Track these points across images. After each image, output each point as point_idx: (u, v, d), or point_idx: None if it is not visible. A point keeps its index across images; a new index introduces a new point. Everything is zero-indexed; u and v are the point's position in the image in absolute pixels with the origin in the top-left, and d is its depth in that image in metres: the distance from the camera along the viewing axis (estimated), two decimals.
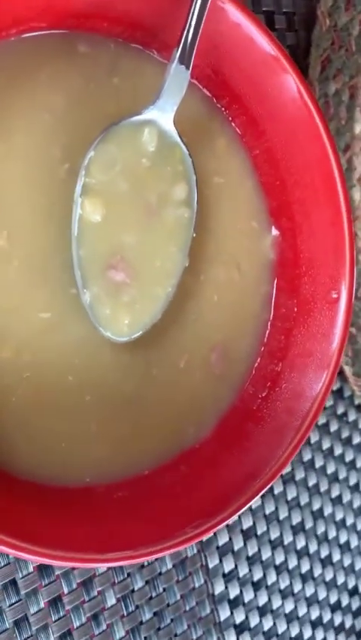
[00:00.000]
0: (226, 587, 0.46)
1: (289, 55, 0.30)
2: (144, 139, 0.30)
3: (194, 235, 0.31)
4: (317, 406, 0.32)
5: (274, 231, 0.35)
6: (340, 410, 0.53)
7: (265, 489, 0.30)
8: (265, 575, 0.48)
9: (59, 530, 0.27)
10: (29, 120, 0.29)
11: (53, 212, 0.30)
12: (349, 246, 0.33)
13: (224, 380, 0.34)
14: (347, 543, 0.54)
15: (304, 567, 0.51)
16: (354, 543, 0.54)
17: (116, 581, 0.40)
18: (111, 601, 0.40)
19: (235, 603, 0.46)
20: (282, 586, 0.49)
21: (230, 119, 0.34)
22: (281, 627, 0.49)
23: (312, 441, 0.51)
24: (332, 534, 0.52)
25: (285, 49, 0.29)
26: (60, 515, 0.28)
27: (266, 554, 0.48)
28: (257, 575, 0.48)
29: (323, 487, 0.52)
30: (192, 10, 0.28)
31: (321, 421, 0.51)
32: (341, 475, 0.53)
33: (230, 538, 0.46)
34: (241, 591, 0.47)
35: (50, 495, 0.29)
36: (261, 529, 0.48)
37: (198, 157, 0.32)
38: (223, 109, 0.34)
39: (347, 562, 0.54)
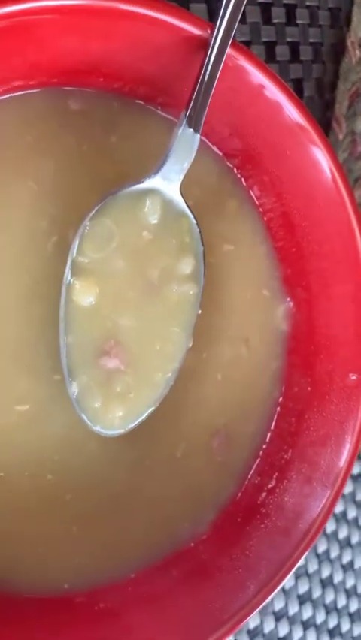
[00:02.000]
0: None
1: (318, 126, 0.26)
2: (146, 210, 0.26)
3: (199, 312, 0.28)
4: (329, 504, 0.28)
5: (288, 301, 0.32)
6: (356, 471, 0.49)
7: (264, 602, 0.26)
8: None
9: None
10: (12, 190, 0.26)
11: (37, 291, 0.27)
12: None
13: (226, 468, 0.31)
14: (358, 612, 0.50)
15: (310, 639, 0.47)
16: None
17: None
18: None
19: None
20: None
21: (242, 179, 0.30)
22: None
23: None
24: (341, 603, 0.49)
25: (310, 114, 0.26)
26: (30, 630, 0.25)
27: (269, 627, 0.45)
28: None
29: (334, 554, 0.48)
30: (203, 68, 0.24)
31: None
32: (354, 540, 0.49)
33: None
34: None
35: (24, 609, 0.26)
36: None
37: (205, 222, 0.28)
38: (235, 168, 0.30)
39: (356, 632, 0.50)
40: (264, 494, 0.31)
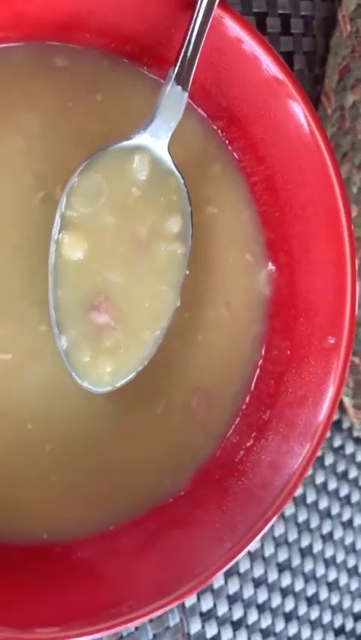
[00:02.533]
0: (203, 627, 0.43)
1: (296, 80, 0.26)
2: (135, 166, 0.27)
3: (187, 272, 0.29)
4: (305, 463, 0.29)
5: (270, 266, 0.32)
6: (337, 443, 0.50)
7: (239, 556, 0.27)
8: (245, 614, 0.46)
9: (6, 594, 0.24)
10: None
11: (25, 245, 0.27)
12: (351, 289, 0.30)
13: (205, 427, 0.32)
14: (336, 581, 0.51)
15: (289, 606, 0.48)
16: (343, 581, 0.52)
17: None
18: None
19: None
20: (263, 625, 0.47)
21: (227, 142, 0.31)
22: None
23: (308, 501, 0.48)
24: (320, 572, 0.50)
25: (292, 72, 0.26)
26: (10, 575, 0.26)
27: (248, 592, 0.46)
28: (237, 614, 0.45)
29: (314, 523, 0.49)
30: (192, 26, 0.25)
31: (319, 480, 0.49)
32: (334, 511, 0.50)
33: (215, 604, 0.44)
34: (218, 631, 0.44)
35: (3, 554, 0.26)
36: (244, 566, 0.45)
37: (188, 183, 0.28)
38: (220, 131, 0.30)
39: (334, 600, 0.51)
40: (242, 453, 0.31)
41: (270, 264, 0.32)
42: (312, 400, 0.30)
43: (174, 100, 0.26)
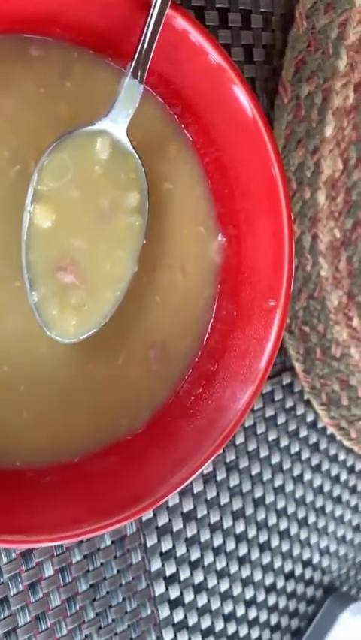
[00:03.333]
0: (163, 565, 0.48)
1: (235, 66, 0.30)
2: (97, 148, 0.30)
3: (144, 242, 0.33)
4: (244, 407, 0.34)
5: (221, 237, 0.37)
6: (288, 404, 0.55)
7: (186, 483, 0.32)
8: (202, 556, 0.51)
9: None
10: None
11: (1, 211, 0.31)
12: (288, 258, 0.34)
13: (161, 376, 0.36)
14: (287, 530, 0.56)
15: (242, 550, 0.53)
16: (294, 530, 0.57)
17: (55, 554, 0.43)
18: (49, 572, 0.42)
19: (170, 580, 0.49)
20: (218, 567, 0.52)
21: (183, 126, 0.35)
22: (215, 604, 0.52)
23: (259, 432, 0.53)
24: (272, 521, 0.55)
25: (231, 58, 0.30)
26: None
27: (205, 536, 0.51)
28: (195, 555, 0.50)
29: (267, 476, 0.54)
30: (146, 25, 0.28)
31: (269, 413, 0.53)
32: (286, 466, 0.55)
33: (170, 520, 0.48)
34: (177, 569, 0.49)
35: None
36: (201, 512, 0.50)
37: (149, 162, 0.33)
38: (176, 116, 0.34)
39: (285, 547, 0.57)
40: (192, 398, 0.36)
41: (220, 235, 0.37)
42: (253, 352, 0.35)
43: (131, 91, 0.29)
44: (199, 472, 0.33)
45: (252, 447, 0.52)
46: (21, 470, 0.32)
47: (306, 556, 0.58)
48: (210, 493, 0.50)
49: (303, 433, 0.56)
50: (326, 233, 0.54)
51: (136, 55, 0.29)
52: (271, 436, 0.53)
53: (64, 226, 0.31)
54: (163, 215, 0.35)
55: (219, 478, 0.51)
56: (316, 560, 0.58)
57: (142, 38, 0.29)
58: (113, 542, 0.45)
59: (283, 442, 0.55)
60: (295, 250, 0.52)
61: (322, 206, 0.54)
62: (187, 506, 0.49)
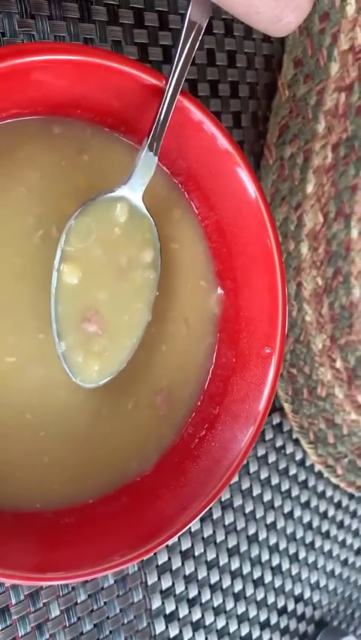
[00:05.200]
0: (163, 603, 0.50)
1: (241, 151, 0.34)
2: (117, 212, 0.33)
3: (157, 294, 0.36)
4: (246, 447, 0.36)
5: (220, 290, 0.40)
6: (278, 443, 0.57)
7: (194, 521, 0.34)
8: (200, 593, 0.52)
9: (7, 548, 0.31)
10: (6, 193, 0.33)
11: (27, 270, 0.34)
12: (282, 310, 0.37)
13: (167, 420, 0.39)
14: (279, 566, 0.58)
15: (237, 587, 0.55)
16: (285, 566, 0.59)
17: (61, 594, 0.44)
18: (55, 612, 0.44)
19: (170, 618, 0.50)
20: (215, 603, 0.54)
21: (185, 193, 0.38)
22: None
23: (251, 471, 0.55)
24: (265, 557, 0.57)
25: (236, 143, 0.34)
26: (10, 534, 0.32)
27: (202, 574, 0.52)
28: (193, 592, 0.52)
29: (259, 514, 0.56)
30: (161, 107, 0.32)
31: (260, 452, 0.56)
32: (277, 503, 0.58)
33: (169, 558, 0.50)
34: (176, 607, 0.51)
35: (2, 516, 0.33)
36: (198, 550, 0.52)
37: (157, 225, 0.36)
38: (180, 184, 0.38)
39: (277, 583, 0.58)
40: (196, 441, 0.38)
41: (219, 288, 0.40)
42: (252, 397, 0.38)
43: (147, 162, 0.32)
44: (207, 509, 0.35)
45: (245, 485, 0.55)
46: (41, 512, 0.34)
47: (298, 591, 0.60)
48: (207, 532, 0.52)
49: (293, 471, 0.59)
50: (309, 282, 0.58)
51: (152, 132, 0.32)
52: (263, 475, 0.56)
53: (89, 282, 0.34)
54: (170, 272, 0.38)
55: (215, 517, 0.53)
56: (307, 595, 0.60)
57: (157, 117, 0.32)
58: (115, 581, 0.47)
59: (274, 480, 0.57)
60: None
61: (305, 257, 0.58)
62: (185, 545, 0.51)
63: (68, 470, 0.36)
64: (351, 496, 0.63)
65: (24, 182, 0.33)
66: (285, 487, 0.58)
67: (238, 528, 0.55)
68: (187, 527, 0.34)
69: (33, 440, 0.35)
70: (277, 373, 0.37)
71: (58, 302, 0.33)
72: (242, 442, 0.36)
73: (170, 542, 0.50)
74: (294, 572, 0.59)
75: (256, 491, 0.55)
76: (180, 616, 0.51)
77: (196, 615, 0.52)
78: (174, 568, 0.50)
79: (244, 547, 0.55)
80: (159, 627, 0.49)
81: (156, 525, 0.34)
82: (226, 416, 0.38)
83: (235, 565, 0.55)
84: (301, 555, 0.60)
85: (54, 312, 0.33)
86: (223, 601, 0.54)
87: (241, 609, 0.55)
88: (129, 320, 0.35)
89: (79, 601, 0.45)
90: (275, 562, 0.58)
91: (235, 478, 0.54)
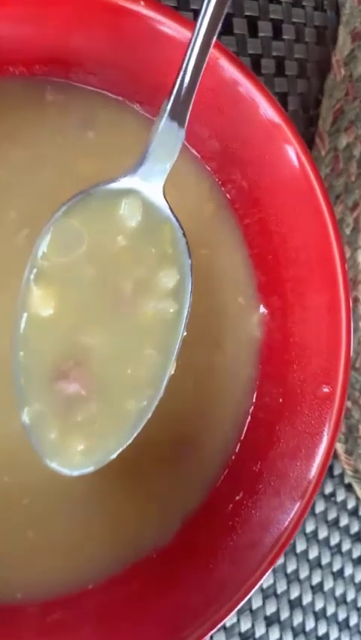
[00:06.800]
0: None
1: (292, 124, 0.26)
2: (122, 212, 0.24)
3: (184, 334, 0.25)
4: (296, 520, 0.28)
5: (262, 309, 0.31)
6: (328, 489, 0.48)
7: (225, 620, 0.25)
8: None
9: None
10: None
11: (4, 281, 0.25)
12: (346, 337, 0.29)
13: (192, 477, 0.30)
14: (327, 635, 0.49)
15: None
16: (334, 635, 0.50)
17: None
18: None
19: None
20: None
21: (220, 183, 0.30)
22: None
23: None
24: (309, 625, 0.48)
25: (287, 115, 0.25)
26: None
27: None
28: None
29: (303, 574, 0.47)
30: (187, 59, 0.22)
31: (309, 528, 0.47)
32: (324, 561, 0.49)
33: None
34: None
35: None
36: (231, 620, 0.43)
37: (185, 231, 0.27)
38: (213, 172, 0.30)
39: None
40: (231, 506, 0.30)
41: (262, 307, 0.31)
42: (305, 451, 0.29)
43: (168, 137, 0.22)
44: (243, 602, 0.26)
45: None
46: (21, 605, 0.26)
47: None
48: None
49: (344, 522, 0.50)
50: None
51: (175, 91, 0.22)
52: (309, 527, 0.47)
53: (68, 316, 0.23)
54: (196, 285, 0.30)
55: None
56: None
57: (182, 69, 0.22)
58: None
59: (322, 534, 0.48)
60: None
61: None
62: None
63: (59, 547, 0.27)
64: None
65: (5, 164, 0.25)
66: (334, 540, 0.49)
67: (279, 592, 0.46)
68: (219, 627, 0.26)
69: (12, 509, 0.26)
70: (339, 420, 0.29)
71: (21, 344, 0.23)
72: (291, 512, 0.28)
73: None
74: None
75: (299, 547, 0.47)
76: None
77: None
78: None
79: (284, 615, 0.46)
80: None
81: (176, 625, 0.25)
82: (269, 475, 0.29)
83: (274, 636, 0.46)
84: (353, 621, 0.51)
85: (15, 361, 0.23)
86: None
87: None
88: (134, 374, 0.24)
89: None
90: (322, 630, 0.49)
91: None
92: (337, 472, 0.49)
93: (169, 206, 0.24)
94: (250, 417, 0.31)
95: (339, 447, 0.48)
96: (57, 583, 0.27)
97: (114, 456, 0.25)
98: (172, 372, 0.25)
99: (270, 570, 0.27)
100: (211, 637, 0.42)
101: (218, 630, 0.42)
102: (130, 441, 0.25)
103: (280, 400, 0.30)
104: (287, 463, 0.29)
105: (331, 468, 0.48)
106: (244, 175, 0.29)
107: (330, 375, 0.29)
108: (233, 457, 0.31)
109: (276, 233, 0.29)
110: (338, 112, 0.46)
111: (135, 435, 0.25)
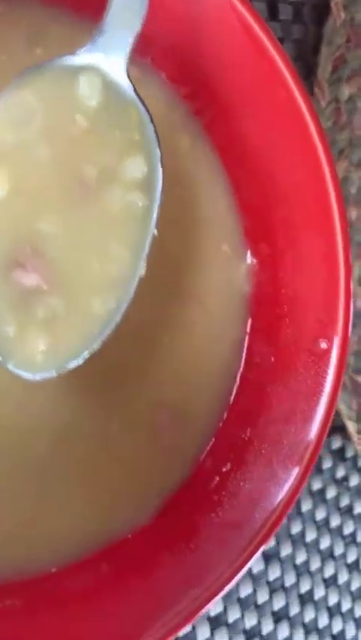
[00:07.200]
0: None
1: (273, 36, 0.22)
2: (82, 90, 0.21)
3: (155, 234, 0.23)
4: (292, 492, 0.24)
5: (250, 259, 0.28)
6: (340, 474, 0.45)
7: (207, 607, 0.22)
8: None
9: None
10: None
11: None
12: (345, 284, 0.25)
13: (174, 449, 0.27)
14: (342, 633, 0.45)
15: None
16: (351, 633, 0.46)
17: None
18: None
19: None
20: None
21: (195, 112, 0.26)
22: None
23: (303, 509, 0.43)
24: (323, 622, 0.44)
25: (273, 34, 0.22)
26: None
27: None
28: None
29: (315, 566, 0.44)
30: None
31: (316, 486, 0.44)
32: (338, 551, 0.45)
33: (193, 627, 0.38)
34: None
35: None
36: (233, 616, 0.40)
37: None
38: (188, 99, 0.26)
39: None
40: (217, 479, 0.26)
41: (250, 256, 0.28)
42: (300, 414, 0.25)
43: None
44: (230, 585, 0.23)
45: (296, 529, 0.42)
46: None
47: None
48: (245, 590, 0.40)
49: (358, 509, 0.46)
50: None
51: None
52: (320, 515, 0.44)
53: (24, 199, 0.21)
54: (174, 228, 0.26)
55: (255, 571, 0.41)
56: None
57: None
58: None
59: (335, 522, 0.45)
60: None
61: None
62: (215, 608, 0.39)
63: (19, 520, 0.24)
64: None
65: None
66: (348, 529, 0.46)
67: (287, 584, 0.42)
68: (199, 615, 0.22)
69: None
70: (339, 378, 0.25)
71: None
72: (285, 483, 0.24)
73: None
74: None
75: (309, 536, 0.43)
76: None
77: None
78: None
79: (294, 610, 0.43)
80: None
81: (148, 610, 0.22)
82: (260, 443, 0.26)
83: (283, 633, 0.42)
84: None
85: None
86: None
87: None
88: (101, 270, 0.22)
89: None
90: (337, 628, 0.45)
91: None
92: (349, 454, 0.45)
93: (134, 88, 0.22)
94: (238, 380, 0.28)
95: (351, 426, 0.44)
96: (15, 565, 0.24)
97: (80, 362, 0.22)
98: (142, 274, 0.23)
99: (260, 551, 0.23)
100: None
101: (219, 626, 0.39)
102: (97, 346, 0.22)
103: (272, 359, 0.27)
104: (280, 428, 0.26)
105: (342, 450, 0.45)
106: (223, 100, 0.25)
107: (327, 329, 0.25)
108: (220, 425, 0.28)
109: (264, 170, 0.26)
110: (338, 60, 0.43)
111: (103, 340, 0.22)
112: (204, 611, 0.22)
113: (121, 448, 0.26)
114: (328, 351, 0.25)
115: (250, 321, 0.28)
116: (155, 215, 0.23)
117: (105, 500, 0.25)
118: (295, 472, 0.24)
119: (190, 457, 0.27)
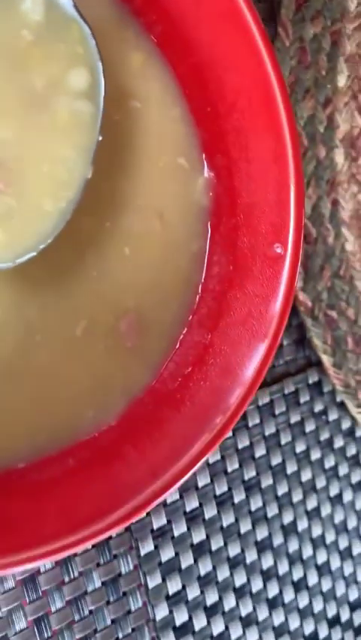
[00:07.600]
0: (171, 612, 0.39)
1: None
2: (26, 6, 0.23)
3: (100, 139, 0.24)
4: (249, 386, 0.25)
5: (207, 172, 0.29)
6: (318, 407, 0.46)
7: (166, 494, 0.23)
8: (221, 599, 0.41)
9: None
10: None
11: None
12: (295, 187, 0.26)
13: (138, 355, 0.28)
14: (327, 564, 0.46)
15: (272, 591, 0.43)
16: (336, 564, 0.47)
17: (28, 601, 0.34)
18: (21, 624, 0.33)
19: (182, 630, 0.39)
20: (243, 612, 0.42)
21: (146, 27, 0.27)
22: None
23: (283, 442, 0.43)
24: (307, 553, 0.45)
25: None
26: None
27: (223, 574, 0.41)
28: (211, 598, 0.40)
29: (297, 497, 0.44)
30: None
31: (294, 419, 0.44)
32: (320, 484, 0.46)
33: (176, 554, 0.39)
34: (190, 617, 0.39)
35: None
36: (217, 544, 0.41)
37: (107, 77, 0.25)
38: (137, 15, 0.27)
39: (326, 586, 0.46)
40: (180, 380, 0.27)
41: (207, 169, 0.29)
42: (257, 315, 0.26)
43: None
44: (189, 474, 0.24)
45: (276, 461, 0.43)
46: None
47: (353, 596, 0.47)
48: (227, 520, 0.41)
49: (338, 443, 0.47)
50: (348, 200, 0.46)
51: None
52: (299, 447, 0.44)
53: None
54: (130, 142, 0.27)
55: (236, 500, 0.41)
56: None
57: None
58: (104, 584, 0.36)
59: (315, 455, 0.45)
60: (312, 218, 0.44)
61: (341, 168, 0.45)
62: (198, 536, 0.40)
63: None
64: None
65: None
66: (329, 463, 0.46)
67: (269, 515, 0.43)
68: (159, 501, 0.23)
69: None
70: (293, 279, 0.26)
71: None
72: (244, 378, 0.25)
73: (176, 533, 0.38)
74: (347, 571, 0.47)
75: (290, 468, 0.44)
76: (196, 628, 0.39)
77: (218, 627, 0.41)
78: (183, 566, 0.39)
79: (278, 541, 0.44)
80: None
81: (114, 497, 0.23)
82: (221, 345, 0.27)
83: (267, 563, 0.43)
84: (356, 550, 0.48)
85: None
86: (254, 609, 0.42)
87: (278, 619, 0.43)
88: (51, 172, 0.23)
89: (53, 609, 0.34)
90: (321, 559, 0.46)
91: (262, 451, 0.42)
92: (326, 389, 0.46)
93: (74, 4, 0.23)
94: (200, 290, 0.29)
95: (326, 360, 0.45)
96: None
97: (34, 253, 0.24)
98: (88, 177, 0.24)
99: (218, 443, 0.24)
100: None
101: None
102: (50, 240, 0.24)
103: (231, 268, 0.28)
104: (239, 330, 0.26)
105: (319, 384, 0.46)
106: (171, 12, 0.26)
107: (281, 233, 0.26)
108: (183, 331, 0.28)
109: (212, 80, 0.27)
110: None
111: (56, 234, 0.24)
112: (164, 497, 0.23)
113: (86, 350, 0.27)
114: (282, 255, 0.26)
115: (209, 234, 0.29)
116: (99, 120, 0.24)
117: (70, 400, 0.26)
118: (252, 370, 0.25)
119: (154, 362, 0.28)
